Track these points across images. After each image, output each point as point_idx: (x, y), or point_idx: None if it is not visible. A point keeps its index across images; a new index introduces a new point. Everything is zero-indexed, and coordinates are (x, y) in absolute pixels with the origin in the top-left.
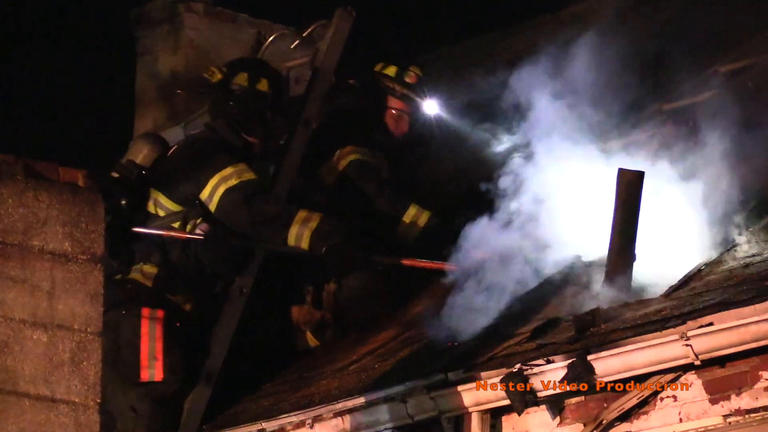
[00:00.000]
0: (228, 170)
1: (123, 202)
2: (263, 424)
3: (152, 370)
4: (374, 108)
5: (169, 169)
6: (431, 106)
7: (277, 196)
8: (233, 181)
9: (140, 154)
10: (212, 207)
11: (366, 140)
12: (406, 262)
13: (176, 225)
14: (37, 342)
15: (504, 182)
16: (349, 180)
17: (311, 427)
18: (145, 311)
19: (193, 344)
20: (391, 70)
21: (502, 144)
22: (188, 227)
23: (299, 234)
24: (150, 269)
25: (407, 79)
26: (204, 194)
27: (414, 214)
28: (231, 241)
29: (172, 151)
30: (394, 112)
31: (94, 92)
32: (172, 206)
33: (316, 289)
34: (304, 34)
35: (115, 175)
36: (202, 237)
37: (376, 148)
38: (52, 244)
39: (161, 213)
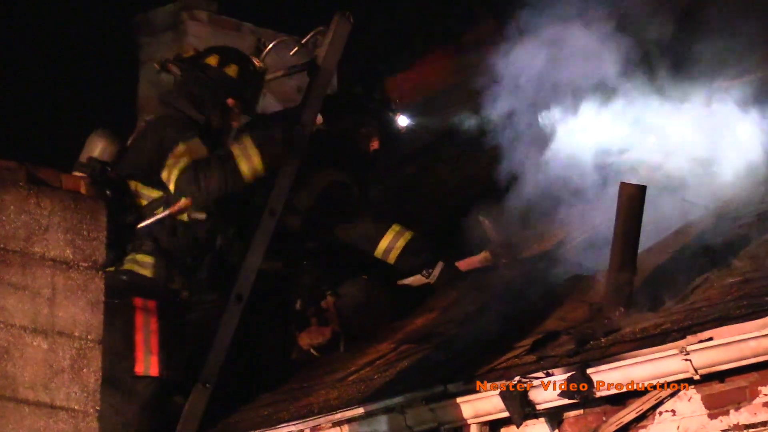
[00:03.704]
0: (180, 148)
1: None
2: None
3: (147, 364)
4: (344, 128)
5: (136, 157)
6: (401, 120)
7: (272, 209)
8: (185, 161)
9: (96, 149)
10: (171, 189)
11: (340, 161)
12: None
13: (159, 211)
14: (38, 348)
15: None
16: (328, 202)
17: None
18: (138, 302)
19: (190, 337)
20: (356, 90)
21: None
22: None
23: None
24: (144, 258)
25: (375, 96)
26: (164, 176)
27: (398, 230)
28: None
29: (134, 139)
30: (363, 130)
31: (97, 99)
32: (152, 193)
33: (316, 309)
34: (303, 41)
35: (79, 174)
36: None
37: (349, 169)
38: (53, 251)
39: (144, 202)
